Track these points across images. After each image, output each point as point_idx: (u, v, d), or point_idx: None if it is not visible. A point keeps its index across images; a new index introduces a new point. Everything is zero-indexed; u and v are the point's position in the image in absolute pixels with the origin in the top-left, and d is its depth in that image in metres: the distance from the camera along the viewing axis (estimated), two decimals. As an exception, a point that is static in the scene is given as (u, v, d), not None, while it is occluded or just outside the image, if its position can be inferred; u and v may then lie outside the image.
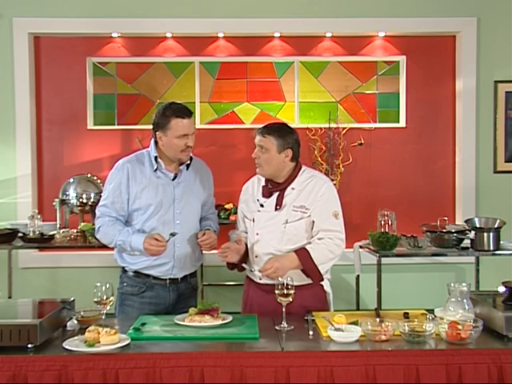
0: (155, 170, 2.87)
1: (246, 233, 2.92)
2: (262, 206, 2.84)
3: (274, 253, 2.76)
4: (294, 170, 2.84)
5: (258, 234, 2.82)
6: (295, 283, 2.70)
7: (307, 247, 2.72)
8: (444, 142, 5.27)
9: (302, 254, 2.70)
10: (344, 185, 5.15)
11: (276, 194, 2.82)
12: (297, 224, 2.77)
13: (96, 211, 2.95)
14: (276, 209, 2.80)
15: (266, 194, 2.85)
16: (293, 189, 2.81)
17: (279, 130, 2.82)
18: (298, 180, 2.83)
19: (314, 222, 2.78)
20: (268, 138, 2.78)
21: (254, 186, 2.95)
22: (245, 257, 2.87)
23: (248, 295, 2.92)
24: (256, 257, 2.82)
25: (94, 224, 4.45)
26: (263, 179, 2.89)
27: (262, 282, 2.79)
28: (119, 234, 2.80)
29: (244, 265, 2.85)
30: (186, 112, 2.81)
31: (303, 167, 2.90)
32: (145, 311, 2.81)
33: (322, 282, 2.84)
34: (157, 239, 2.71)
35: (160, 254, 2.75)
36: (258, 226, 2.82)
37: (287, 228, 2.77)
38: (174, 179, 2.89)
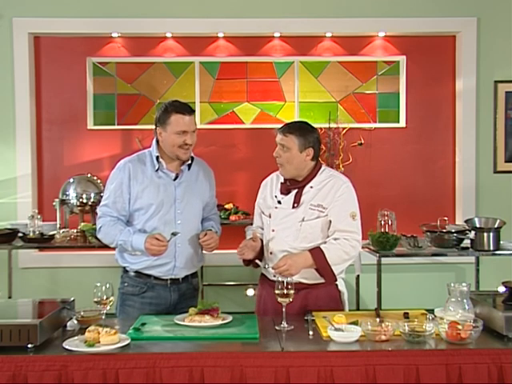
0: (156, 170, 2.87)
1: (262, 229, 2.92)
2: (279, 202, 2.84)
3: (288, 250, 2.75)
4: (313, 169, 2.84)
5: (273, 230, 2.82)
6: (310, 282, 2.73)
7: (322, 247, 2.71)
8: (444, 142, 5.27)
9: (317, 253, 2.69)
10: (344, 185, 5.14)
11: (294, 192, 2.82)
12: (313, 222, 2.76)
13: (97, 211, 2.96)
14: (293, 206, 2.79)
15: (284, 191, 2.85)
16: (311, 187, 2.80)
17: (300, 129, 2.81)
18: (317, 179, 2.82)
19: (330, 221, 2.77)
20: (289, 137, 2.77)
21: (272, 183, 2.95)
22: (260, 253, 2.87)
23: (262, 293, 2.92)
24: (271, 253, 2.82)
25: (94, 224, 4.48)
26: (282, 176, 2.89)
27: (275, 279, 2.78)
28: (120, 234, 2.80)
29: (258, 261, 2.83)
30: (186, 109, 2.82)
31: (323, 166, 2.90)
32: (145, 311, 2.80)
33: (337, 282, 2.83)
34: (158, 239, 2.71)
35: (161, 254, 2.75)
36: (274, 222, 2.82)
37: (303, 226, 2.76)
38: (175, 179, 2.89)
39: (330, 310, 2.70)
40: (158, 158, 2.87)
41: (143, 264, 2.85)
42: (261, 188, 3.01)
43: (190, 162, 2.92)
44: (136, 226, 2.85)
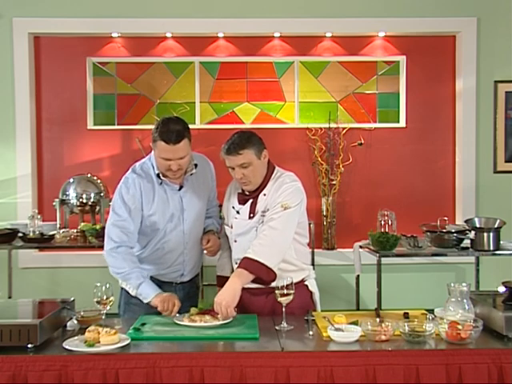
0: (161, 184, 2.86)
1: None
2: (238, 212, 2.84)
3: None
4: (267, 174, 2.81)
5: (235, 241, 2.84)
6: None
7: (246, 254, 2.63)
8: (444, 141, 5.27)
9: (245, 263, 2.61)
10: (344, 185, 5.15)
11: (250, 202, 2.81)
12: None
13: (111, 227, 2.80)
14: (249, 217, 2.79)
15: (242, 201, 2.85)
16: (264, 195, 2.79)
17: (247, 139, 2.73)
18: (269, 184, 2.80)
19: None
20: (244, 152, 2.70)
21: (230, 192, 2.95)
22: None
23: None
24: (236, 263, 2.81)
25: (94, 224, 4.48)
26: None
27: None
28: (130, 271, 2.75)
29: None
30: (172, 138, 2.66)
31: (276, 169, 2.86)
32: (152, 310, 2.78)
33: (307, 282, 2.84)
34: (174, 304, 2.66)
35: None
36: (235, 232, 2.84)
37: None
38: (180, 189, 2.89)
39: (303, 311, 2.65)
40: (158, 175, 2.83)
41: (151, 272, 2.89)
42: (225, 196, 2.99)
43: (193, 171, 2.88)
44: (151, 243, 2.87)
